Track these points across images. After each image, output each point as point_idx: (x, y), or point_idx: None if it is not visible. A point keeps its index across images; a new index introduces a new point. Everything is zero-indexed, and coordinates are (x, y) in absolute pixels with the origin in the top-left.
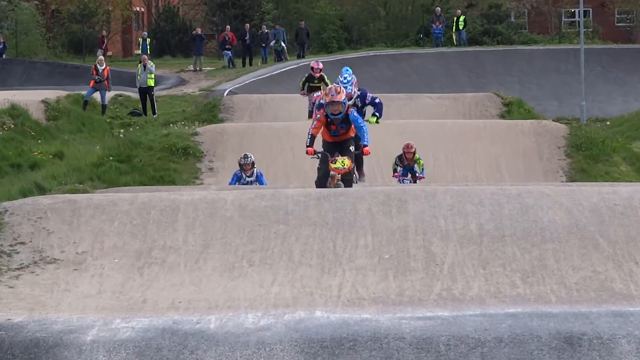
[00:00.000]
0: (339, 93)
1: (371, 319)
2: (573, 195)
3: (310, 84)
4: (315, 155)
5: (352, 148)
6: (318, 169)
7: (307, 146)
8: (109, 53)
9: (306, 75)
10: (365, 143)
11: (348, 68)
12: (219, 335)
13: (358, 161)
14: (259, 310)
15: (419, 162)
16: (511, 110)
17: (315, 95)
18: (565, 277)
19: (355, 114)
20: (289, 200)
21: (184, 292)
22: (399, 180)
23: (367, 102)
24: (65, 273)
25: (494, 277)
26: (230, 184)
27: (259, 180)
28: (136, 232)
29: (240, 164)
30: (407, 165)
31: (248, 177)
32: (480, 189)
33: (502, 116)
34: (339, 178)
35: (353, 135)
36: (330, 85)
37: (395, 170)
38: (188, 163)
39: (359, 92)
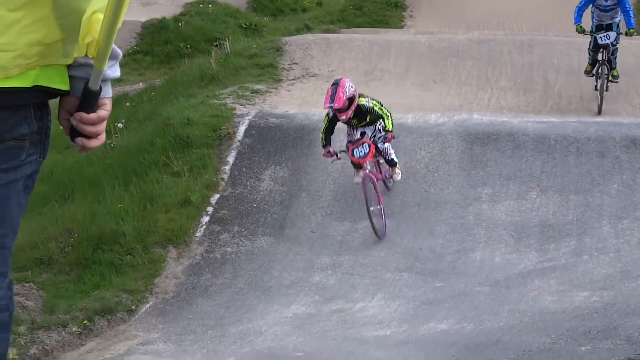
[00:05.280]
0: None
1: (508, 121)
2: None
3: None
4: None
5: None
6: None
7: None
8: None
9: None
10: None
11: None
12: (414, 128)
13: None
14: (438, 112)
15: None
16: None
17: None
18: (632, 99)
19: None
20: (459, 42)
21: (393, 99)
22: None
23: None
24: (321, 83)
25: (586, 99)
26: None
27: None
28: (364, 58)
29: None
30: None
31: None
32: (580, 40)
33: None
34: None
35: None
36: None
37: None
38: (397, 12)
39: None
